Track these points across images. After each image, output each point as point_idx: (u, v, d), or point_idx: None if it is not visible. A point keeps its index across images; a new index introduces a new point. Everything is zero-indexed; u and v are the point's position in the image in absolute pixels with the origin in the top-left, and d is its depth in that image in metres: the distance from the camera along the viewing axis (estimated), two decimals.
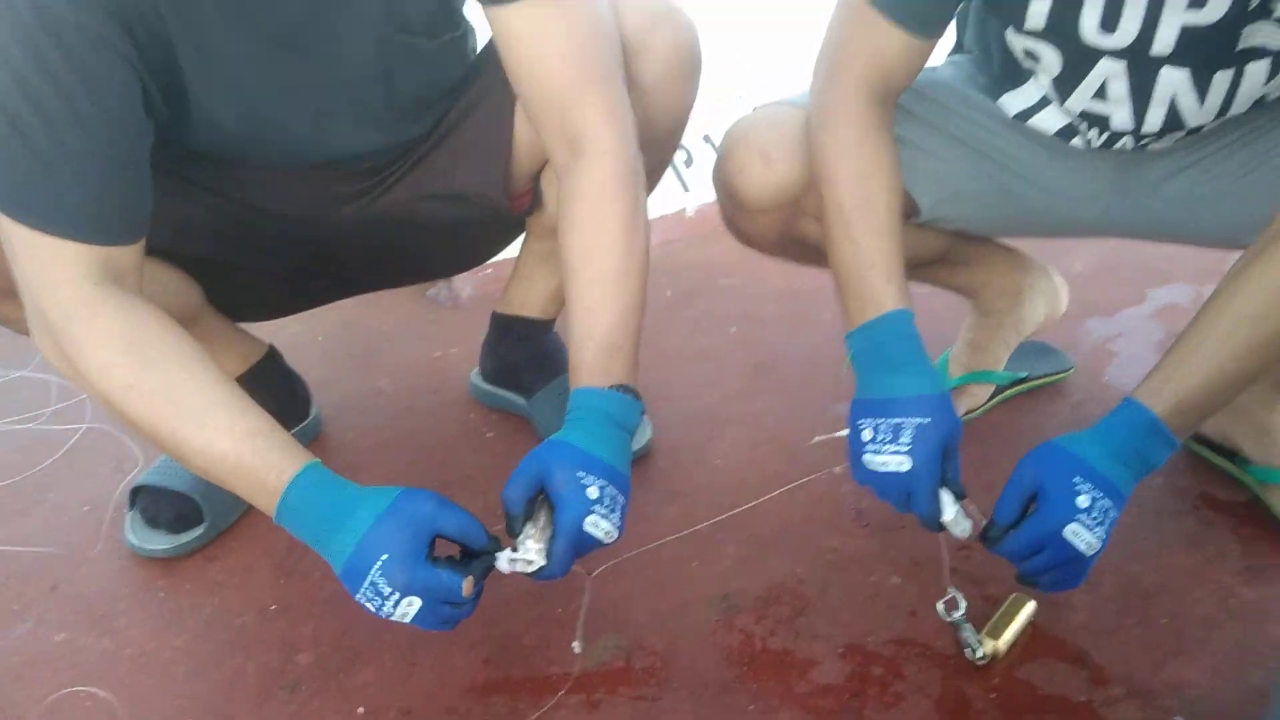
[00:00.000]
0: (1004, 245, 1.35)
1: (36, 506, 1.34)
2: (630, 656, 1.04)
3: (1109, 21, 0.94)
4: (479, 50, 1.20)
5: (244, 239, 1.19)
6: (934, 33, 1.01)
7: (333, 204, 1.19)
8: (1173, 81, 0.97)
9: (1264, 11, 0.89)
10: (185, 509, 1.22)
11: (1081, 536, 0.88)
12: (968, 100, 1.16)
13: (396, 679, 1.04)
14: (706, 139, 2.13)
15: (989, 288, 1.35)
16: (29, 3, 0.84)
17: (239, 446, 0.87)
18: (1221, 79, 0.96)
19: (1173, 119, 1.00)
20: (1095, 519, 0.89)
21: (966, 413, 1.38)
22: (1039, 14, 0.96)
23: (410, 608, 0.85)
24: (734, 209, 1.19)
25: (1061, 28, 0.97)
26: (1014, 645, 1.01)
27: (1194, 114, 0.99)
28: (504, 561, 0.88)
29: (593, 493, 0.89)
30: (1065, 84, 1.03)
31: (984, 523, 0.95)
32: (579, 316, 0.99)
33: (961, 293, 1.38)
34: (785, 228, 1.18)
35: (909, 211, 1.17)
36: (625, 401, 0.96)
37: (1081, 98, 1.02)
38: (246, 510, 1.28)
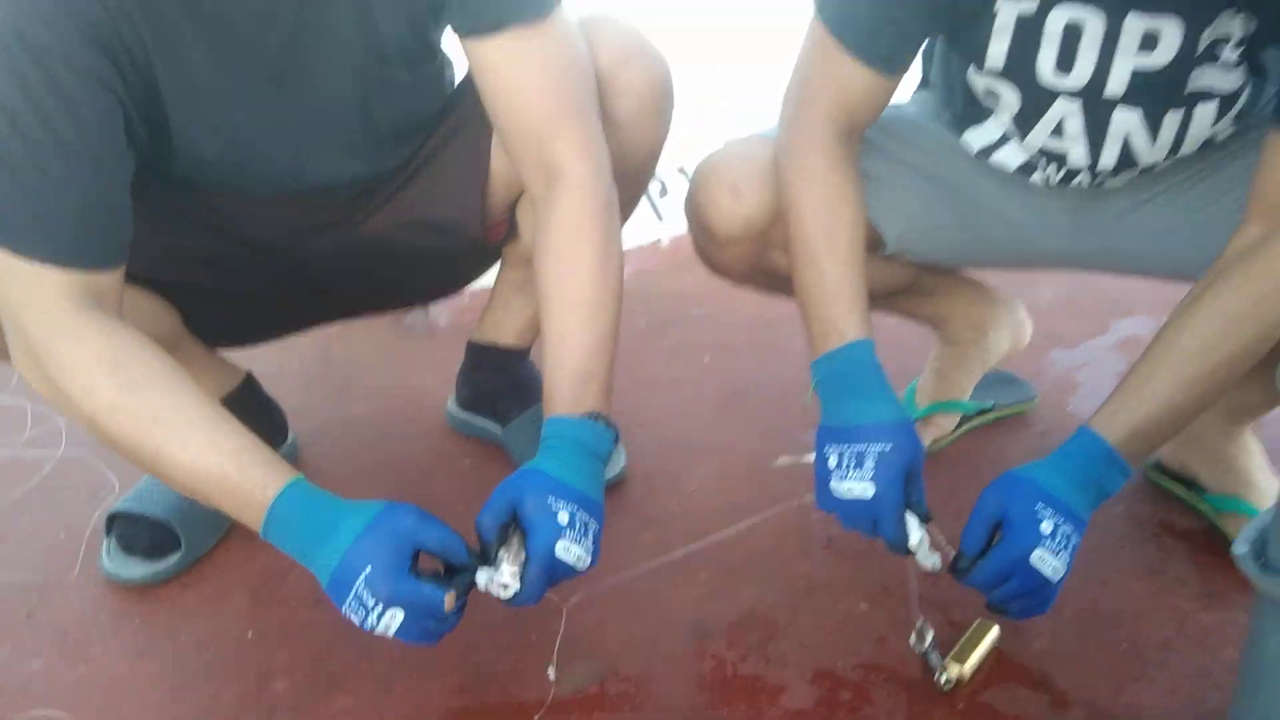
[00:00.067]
0: (969, 277, 1.38)
1: (11, 533, 1.34)
2: (604, 683, 1.06)
3: (1064, 63, 0.97)
4: (457, 82, 1.22)
5: (222, 266, 1.20)
6: (898, 71, 1.04)
7: (311, 232, 1.20)
8: (1126, 121, 1.00)
9: (1210, 56, 0.93)
10: (162, 535, 1.22)
11: (1047, 562, 0.91)
12: (932, 136, 1.19)
13: (372, 706, 1.04)
14: (681, 170, 2.15)
15: (955, 319, 1.38)
16: (15, 33, 0.86)
17: (224, 464, 0.89)
18: (1172, 119, 0.99)
19: (1126, 157, 1.04)
20: (1059, 544, 0.91)
21: (934, 442, 1.40)
22: (998, 55, 1.00)
23: (394, 620, 0.86)
24: (705, 240, 1.22)
25: (1020, 68, 1.00)
26: (979, 670, 1.04)
27: (1146, 153, 1.03)
28: (483, 579, 0.90)
29: (564, 518, 0.90)
30: (1024, 122, 1.06)
31: (952, 554, 0.97)
32: (553, 345, 1.01)
33: (928, 323, 1.41)
34: (755, 258, 1.20)
35: (876, 244, 1.20)
36: (598, 429, 0.98)
37: (1040, 135, 1.06)
38: (223, 536, 1.28)
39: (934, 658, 1.03)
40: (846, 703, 1.02)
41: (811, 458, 1.02)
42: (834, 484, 0.98)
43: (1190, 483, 1.26)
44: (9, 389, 1.63)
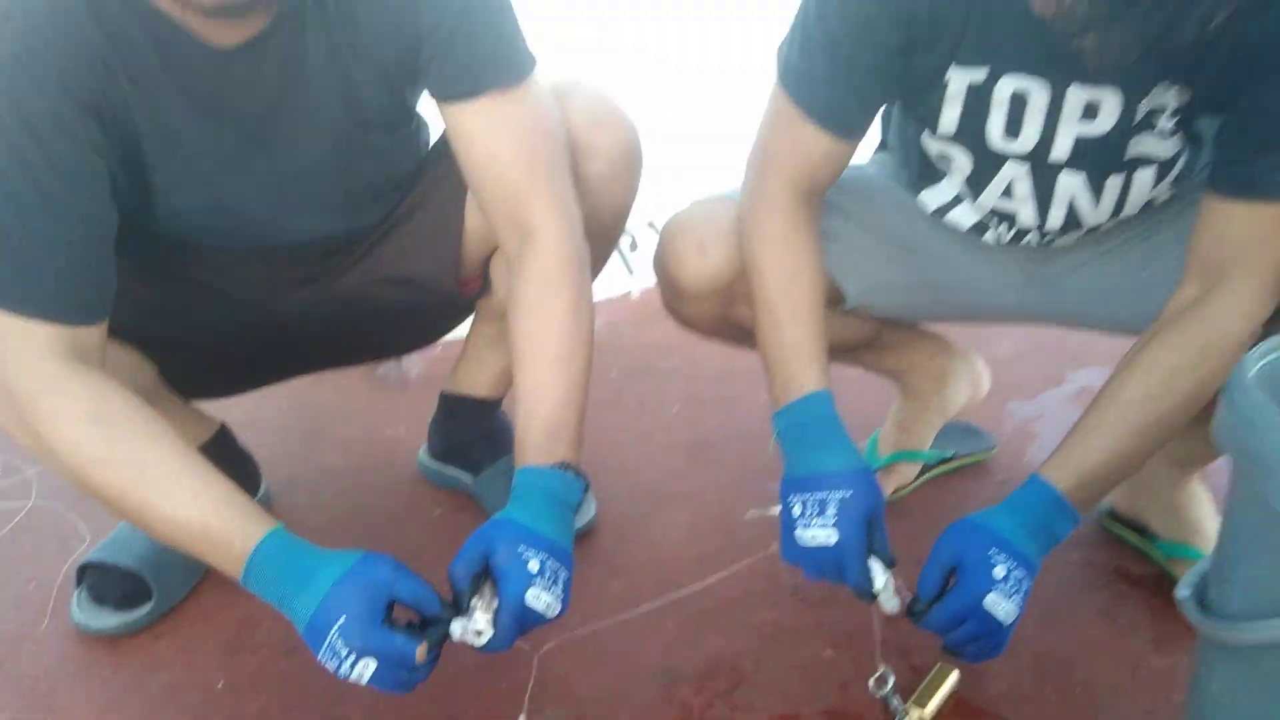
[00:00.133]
0: (928, 331, 1.42)
1: None
2: None
3: (1012, 129, 1.02)
4: (433, 143, 1.26)
5: (200, 319, 1.22)
6: (855, 136, 1.08)
7: (288, 286, 1.22)
8: (1070, 184, 1.05)
9: (1148, 125, 0.98)
10: (133, 586, 1.22)
11: (1000, 605, 0.94)
12: (890, 196, 1.24)
13: None
14: (651, 225, 2.20)
15: (914, 371, 1.41)
16: (6, 96, 0.88)
17: (205, 515, 0.91)
18: (1113, 183, 1.04)
19: (1072, 218, 1.09)
20: (1012, 588, 0.94)
21: (896, 490, 1.43)
22: (950, 121, 1.05)
23: (366, 669, 0.87)
24: (673, 295, 1.25)
25: (970, 133, 1.05)
26: (939, 713, 1.05)
27: (1091, 214, 1.08)
28: (457, 629, 0.91)
29: (534, 566, 0.92)
30: (976, 183, 1.11)
31: (909, 598, 0.99)
32: (525, 397, 1.04)
33: (889, 376, 1.45)
34: (720, 313, 1.24)
35: (837, 299, 1.24)
36: (567, 479, 1.00)
37: (991, 196, 1.11)
38: (195, 586, 1.28)
39: (895, 702, 1.05)
40: None
41: (776, 509, 1.05)
42: (798, 531, 1.00)
43: (1143, 530, 1.30)
44: None
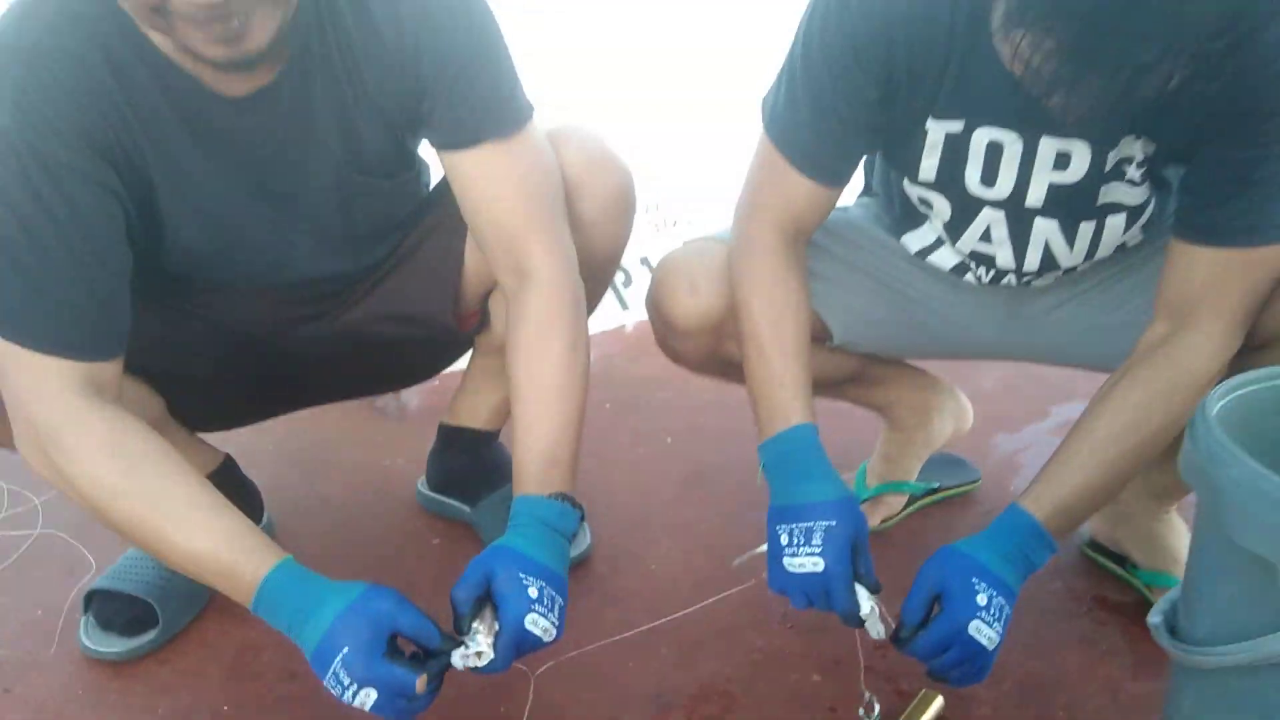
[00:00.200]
0: (912, 366, 1.46)
1: None
2: None
3: (988, 177, 1.07)
4: (433, 185, 1.29)
5: (208, 355, 1.26)
6: (839, 182, 1.12)
7: (294, 322, 1.26)
8: (1045, 229, 1.10)
9: (1117, 174, 1.03)
10: (140, 612, 1.24)
11: (983, 632, 0.97)
12: (874, 238, 1.29)
13: None
14: (644, 261, 2.25)
15: (900, 405, 1.45)
16: (28, 146, 0.93)
17: (218, 546, 0.95)
18: (1086, 228, 1.09)
19: (1048, 260, 1.13)
20: (994, 615, 0.97)
21: (883, 520, 1.47)
22: (929, 169, 1.09)
23: (368, 698, 0.91)
24: (665, 332, 1.29)
25: (949, 181, 1.10)
26: None
27: (1066, 257, 1.12)
28: (458, 658, 0.95)
29: (533, 593, 0.96)
30: (955, 228, 1.15)
31: (894, 625, 1.03)
32: (523, 430, 1.08)
33: (876, 410, 1.48)
34: (711, 349, 1.28)
35: (823, 336, 1.28)
36: (563, 509, 1.04)
37: (969, 240, 1.15)
38: (199, 613, 1.31)
39: None
40: None
41: (763, 549, 1.08)
42: (786, 560, 1.04)
43: (1123, 559, 1.34)
44: None
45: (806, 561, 1.02)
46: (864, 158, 1.17)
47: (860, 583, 1.03)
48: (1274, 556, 0.73)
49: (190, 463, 1.34)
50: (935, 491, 1.53)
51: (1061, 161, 1.03)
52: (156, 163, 1.03)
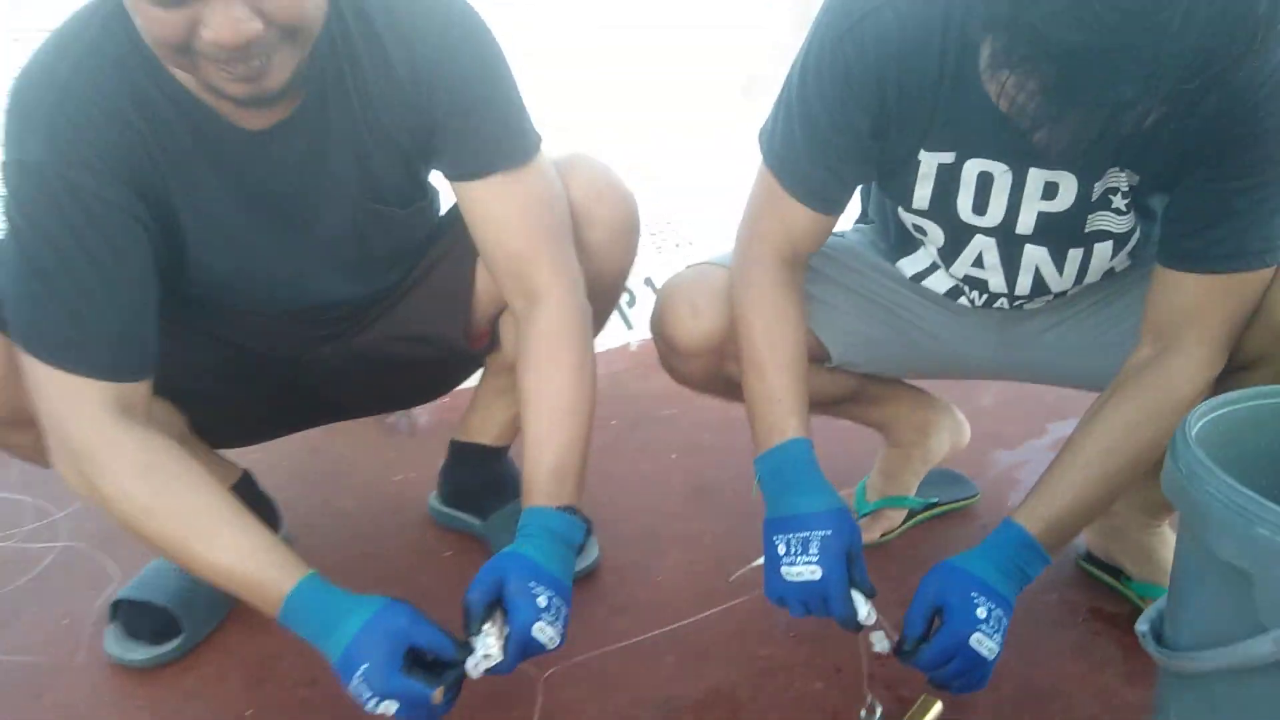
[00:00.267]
0: (910, 385, 1.49)
1: (15, 620, 1.39)
2: None
3: (979, 206, 1.11)
4: (444, 211, 1.33)
5: (229, 374, 1.30)
6: (836, 210, 1.16)
7: (311, 344, 1.30)
8: (1035, 256, 1.14)
9: (1104, 203, 1.07)
10: (164, 621, 1.28)
11: (984, 643, 1.00)
12: (871, 263, 1.32)
13: None
14: (648, 281, 2.29)
15: (898, 422, 1.48)
16: (60, 178, 0.98)
17: (245, 561, 1.00)
18: (1075, 255, 1.13)
19: (1039, 285, 1.17)
20: (993, 627, 1.01)
21: (883, 535, 1.50)
22: (922, 198, 1.13)
23: (390, 708, 0.96)
24: (668, 352, 1.33)
25: (941, 209, 1.13)
26: None
27: (1056, 282, 1.16)
28: (472, 667, 0.99)
29: (541, 601, 1.00)
30: (948, 253, 1.19)
31: (897, 638, 1.06)
32: (532, 445, 1.12)
33: (875, 427, 1.51)
34: (712, 369, 1.31)
35: (823, 357, 1.32)
36: (571, 521, 1.08)
37: (962, 265, 1.19)
38: (222, 622, 1.35)
39: None
40: None
41: (759, 562, 1.12)
42: (784, 569, 1.07)
43: (1117, 571, 1.37)
44: (8, 485, 1.69)
45: (804, 570, 1.06)
46: (860, 186, 1.21)
47: (856, 589, 1.06)
48: (1250, 567, 0.76)
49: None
50: (934, 506, 1.56)
51: (1050, 191, 1.06)
52: (180, 193, 1.07)
